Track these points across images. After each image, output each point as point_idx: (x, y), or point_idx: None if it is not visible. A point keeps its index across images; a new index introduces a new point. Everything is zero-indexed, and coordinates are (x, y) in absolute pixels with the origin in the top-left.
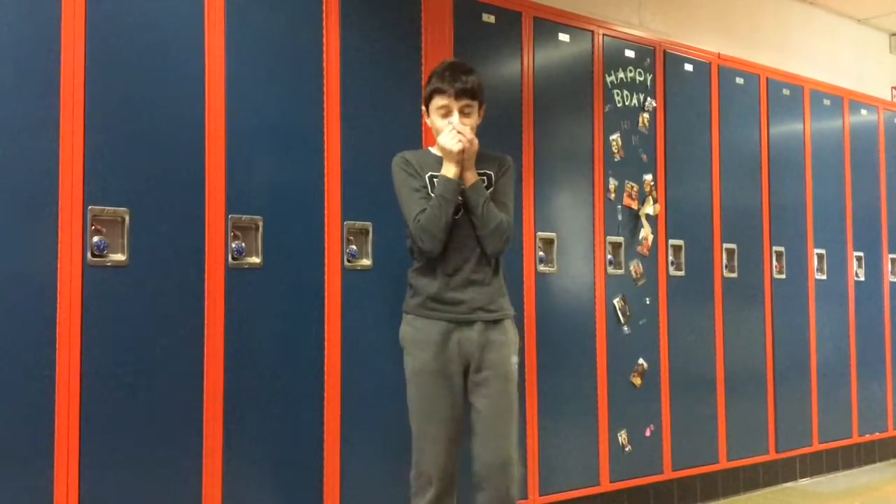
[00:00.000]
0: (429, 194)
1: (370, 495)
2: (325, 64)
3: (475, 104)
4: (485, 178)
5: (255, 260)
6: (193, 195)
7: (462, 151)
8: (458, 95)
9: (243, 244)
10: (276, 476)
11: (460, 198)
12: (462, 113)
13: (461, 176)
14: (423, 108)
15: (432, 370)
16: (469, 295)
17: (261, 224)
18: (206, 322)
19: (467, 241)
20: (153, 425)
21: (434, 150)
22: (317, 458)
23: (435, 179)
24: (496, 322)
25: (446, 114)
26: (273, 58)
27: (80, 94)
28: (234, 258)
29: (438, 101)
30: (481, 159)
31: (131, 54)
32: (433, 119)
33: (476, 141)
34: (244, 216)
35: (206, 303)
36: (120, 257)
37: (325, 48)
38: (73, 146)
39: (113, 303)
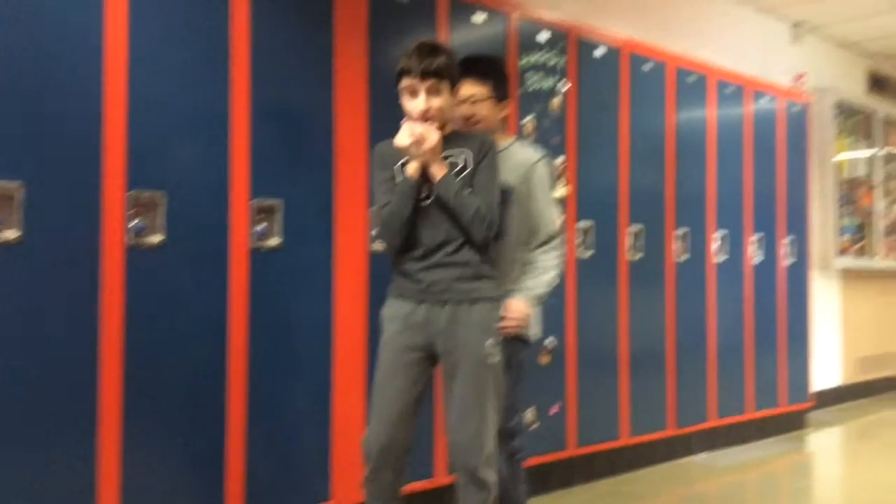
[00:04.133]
0: (396, 184)
1: (277, 482)
2: (232, 40)
3: (444, 84)
4: (459, 160)
5: (157, 238)
6: (91, 169)
7: (416, 145)
8: (424, 75)
9: (144, 222)
10: (177, 465)
11: (427, 186)
12: (429, 93)
13: (426, 171)
14: (397, 89)
15: (397, 344)
16: (439, 276)
17: (163, 200)
18: (103, 304)
19: (443, 225)
20: (46, 413)
21: None
22: (219, 443)
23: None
24: (470, 303)
25: (412, 93)
26: (178, 28)
27: None
28: (133, 236)
29: (405, 82)
30: (460, 139)
31: (23, 20)
32: (403, 101)
33: (434, 135)
34: (145, 192)
35: (104, 283)
36: (12, 234)
37: (232, 25)
38: None
39: (3, 283)
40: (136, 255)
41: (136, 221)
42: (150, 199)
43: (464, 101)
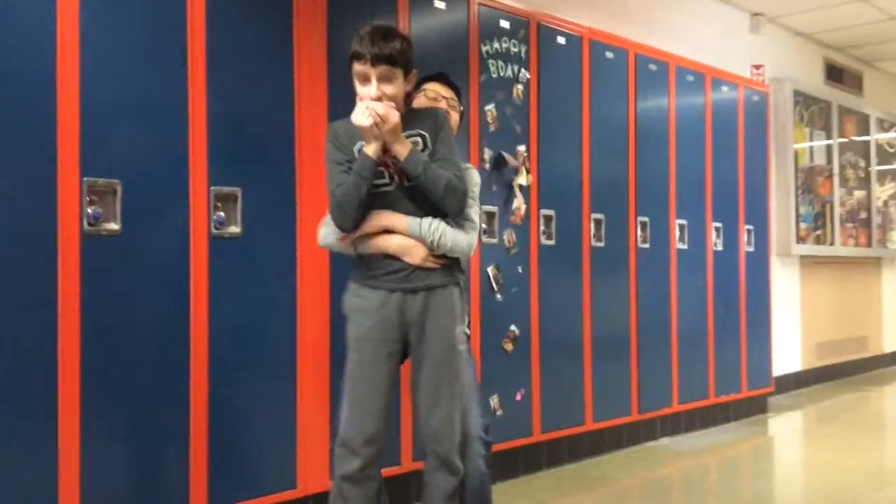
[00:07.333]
0: (353, 167)
1: (242, 471)
2: (189, 23)
3: (397, 71)
4: (419, 138)
5: (114, 226)
6: (45, 156)
7: (375, 126)
8: (376, 61)
9: (100, 209)
10: (139, 454)
11: (389, 170)
12: (381, 79)
13: (386, 151)
14: (350, 72)
15: (374, 338)
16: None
17: (119, 188)
18: (59, 293)
19: (408, 209)
20: (4, 407)
21: None
22: (182, 432)
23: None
24: (441, 289)
25: (364, 80)
26: (133, 13)
27: None
28: (89, 224)
29: (357, 67)
30: (414, 118)
31: None
32: (356, 85)
33: (394, 114)
34: (101, 179)
35: (59, 272)
36: None
37: (189, 10)
38: None
39: None
40: (93, 244)
41: (91, 209)
42: (105, 187)
43: (443, 99)
